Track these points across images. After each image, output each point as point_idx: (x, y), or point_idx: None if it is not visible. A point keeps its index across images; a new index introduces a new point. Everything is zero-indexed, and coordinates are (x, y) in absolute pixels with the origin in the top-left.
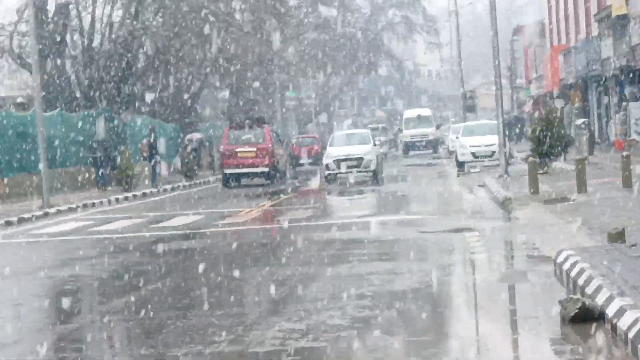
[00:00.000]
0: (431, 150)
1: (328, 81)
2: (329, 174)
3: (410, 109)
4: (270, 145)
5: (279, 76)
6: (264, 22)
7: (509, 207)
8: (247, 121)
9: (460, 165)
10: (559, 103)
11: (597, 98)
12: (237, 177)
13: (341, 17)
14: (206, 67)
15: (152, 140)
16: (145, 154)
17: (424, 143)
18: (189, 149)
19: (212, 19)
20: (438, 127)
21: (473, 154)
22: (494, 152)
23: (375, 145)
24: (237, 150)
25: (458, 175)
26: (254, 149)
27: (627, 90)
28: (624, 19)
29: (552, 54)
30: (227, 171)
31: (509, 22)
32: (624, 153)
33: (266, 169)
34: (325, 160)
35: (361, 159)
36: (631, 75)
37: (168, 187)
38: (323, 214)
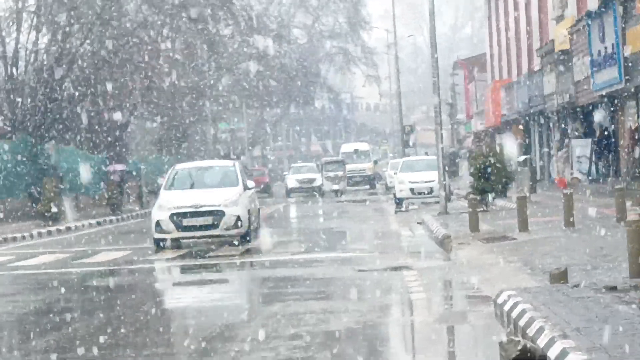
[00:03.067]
0: (368, 186)
1: (262, 113)
2: (159, 240)
3: (348, 143)
4: None
5: (211, 107)
6: (196, 51)
7: (449, 245)
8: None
9: (399, 201)
10: (499, 139)
11: (539, 134)
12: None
13: (277, 48)
14: (135, 96)
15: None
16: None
17: (360, 178)
18: (113, 180)
19: (141, 46)
20: (376, 162)
21: (412, 190)
22: (433, 189)
23: (247, 188)
24: None
25: (396, 212)
26: None
27: (570, 127)
28: (567, 54)
29: (493, 89)
30: None
31: (449, 56)
32: (566, 191)
33: None
34: (156, 214)
35: (218, 214)
36: (574, 111)
37: (94, 221)
38: (256, 250)
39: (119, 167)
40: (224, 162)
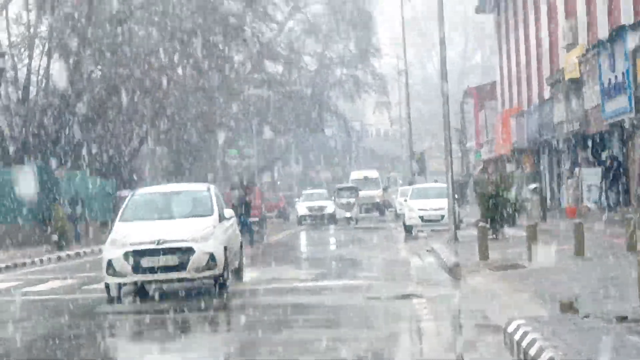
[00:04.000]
0: (377, 213)
1: (272, 140)
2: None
3: (357, 170)
4: (259, 201)
5: (221, 133)
6: (206, 77)
7: (458, 273)
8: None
9: (408, 229)
10: (510, 167)
11: (549, 163)
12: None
13: (287, 74)
14: (146, 122)
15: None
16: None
17: (370, 206)
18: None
19: (152, 72)
20: (385, 190)
21: (421, 217)
22: (443, 216)
23: (224, 218)
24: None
25: (406, 240)
26: None
27: (580, 156)
28: (577, 82)
29: (503, 117)
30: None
31: (459, 83)
32: (576, 220)
33: (256, 219)
34: (108, 252)
35: (186, 251)
36: (584, 140)
37: (97, 248)
38: (265, 277)
39: (127, 192)
40: (196, 186)
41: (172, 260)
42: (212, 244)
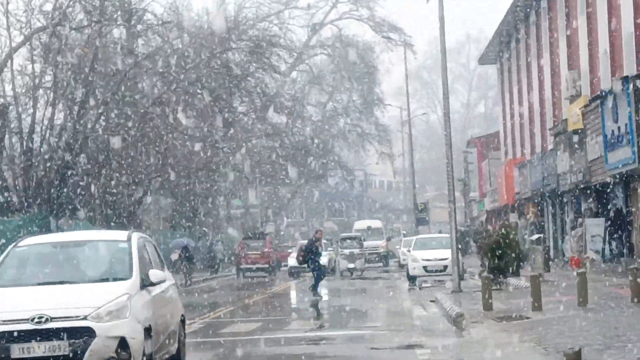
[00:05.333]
0: (381, 264)
1: (276, 190)
2: None
3: (361, 220)
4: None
5: (225, 183)
6: (211, 127)
7: (462, 324)
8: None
9: (412, 279)
10: (513, 217)
11: (552, 213)
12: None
13: (291, 125)
14: (150, 172)
15: None
16: None
17: (374, 256)
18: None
19: (156, 122)
20: (389, 240)
21: (425, 267)
22: (446, 267)
23: (150, 284)
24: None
25: (409, 290)
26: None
27: (584, 206)
28: (580, 133)
29: (506, 167)
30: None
31: (463, 133)
32: (580, 271)
33: (266, 265)
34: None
35: (80, 334)
36: (587, 191)
37: None
38: (268, 327)
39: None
40: (111, 234)
41: (59, 348)
42: (125, 324)
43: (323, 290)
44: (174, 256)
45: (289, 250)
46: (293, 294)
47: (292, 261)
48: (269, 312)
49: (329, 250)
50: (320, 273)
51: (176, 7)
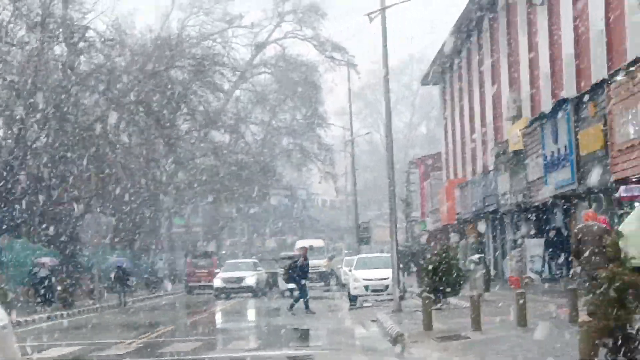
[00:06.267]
0: (322, 283)
1: (218, 209)
2: None
3: (303, 239)
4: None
5: (166, 202)
6: (153, 145)
7: (402, 343)
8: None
9: (353, 298)
10: (454, 238)
11: (492, 233)
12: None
13: (234, 143)
14: (90, 190)
15: None
16: None
17: (315, 275)
18: (39, 275)
19: (98, 140)
20: (331, 259)
21: (366, 287)
22: (387, 286)
23: None
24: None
25: (350, 309)
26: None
27: (523, 227)
28: (520, 154)
29: (448, 187)
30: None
31: (405, 153)
32: (519, 291)
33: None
34: None
35: None
36: (527, 211)
37: (44, 315)
38: (209, 346)
39: (46, 259)
40: None
41: None
42: None
43: (252, 312)
44: (113, 275)
45: (217, 271)
46: (234, 313)
47: (217, 282)
48: (210, 331)
49: (258, 270)
50: (304, 292)
51: (119, 24)
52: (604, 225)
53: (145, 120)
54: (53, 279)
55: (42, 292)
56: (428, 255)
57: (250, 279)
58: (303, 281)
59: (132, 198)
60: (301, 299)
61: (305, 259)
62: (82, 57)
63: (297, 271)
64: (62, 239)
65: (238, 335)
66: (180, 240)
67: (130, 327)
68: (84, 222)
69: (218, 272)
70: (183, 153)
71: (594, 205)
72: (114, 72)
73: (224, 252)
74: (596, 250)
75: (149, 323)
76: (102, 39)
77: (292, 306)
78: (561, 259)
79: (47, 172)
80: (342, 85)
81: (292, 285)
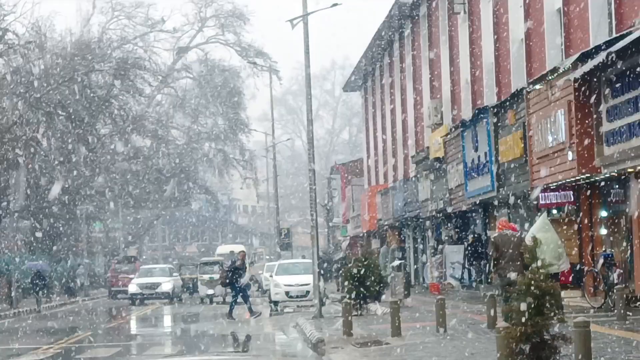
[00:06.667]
0: None
1: (138, 213)
2: None
3: (224, 244)
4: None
5: (85, 206)
6: (72, 149)
7: (322, 349)
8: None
9: (274, 304)
10: (375, 243)
11: (413, 240)
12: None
13: (154, 148)
14: (7, 194)
15: None
16: None
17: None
18: None
19: (17, 143)
20: (251, 264)
21: (287, 293)
22: (308, 292)
23: None
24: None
25: (271, 315)
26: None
27: (444, 233)
28: (441, 161)
29: (369, 194)
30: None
31: (327, 160)
32: (439, 296)
33: None
34: None
35: None
36: (448, 218)
37: None
38: (127, 351)
39: None
40: None
41: None
42: None
43: (171, 318)
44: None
45: (130, 277)
46: (153, 318)
47: (132, 288)
48: (129, 337)
49: (174, 276)
50: (245, 294)
51: (39, 27)
52: (519, 233)
53: (64, 124)
54: None
55: None
56: (348, 262)
57: (166, 285)
58: (240, 284)
59: (51, 202)
60: (241, 302)
61: (243, 262)
62: (0, 60)
63: (235, 274)
64: None
65: (156, 340)
66: (100, 245)
67: (48, 333)
68: (1, 226)
69: (132, 277)
70: (103, 157)
71: (508, 213)
72: (33, 75)
73: (144, 257)
74: (514, 257)
75: (68, 328)
76: (22, 42)
77: (230, 312)
78: (480, 266)
79: None
80: (264, 91)
81: (211, 291)
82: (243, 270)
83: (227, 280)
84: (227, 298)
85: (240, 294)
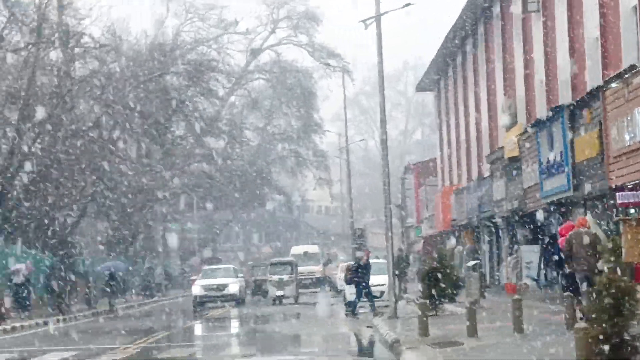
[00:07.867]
0: (318, 289)
1: (213, 214)
2: None
3: (298, 245)
4: None
5: (162, 208)
6: (148, 151)
7: (398, 350)
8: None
9: (349, 304)
10: (450, 244)
11: (488, 240)
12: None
13: (229, 149)
14: (85, 196)
15: None
16: None
17: (310, 281)
18: (14, 281)
19: (93, 146)
20: (326, 265)
21: None
22: (383, 292)
23: None
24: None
25: (346, 315)
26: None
27: (519, 233)
28: (516, 161)
29: (443, 194)
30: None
31: (401, 160)
32: (515, 297)
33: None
34: None
35: None
36: (523, 218)
37: (40, 320)
38: (205, 353)
39: (20, 266)
40: None
41: None
42: None
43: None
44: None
45: (193, 278)
46: (235, 318)
47: (196, 290)
48: (207, 337)
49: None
50: (368, 292)
51: (114, 30)
52: (593, 231)
53: (140, 126)
54: (30, 286)
55: (17, 299)
56: (424, 263)
57: (233, 286)
58: (364, 282)
59: (127, 204)
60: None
61: (368, 260)
62: (77, 63)
63: (360, 273)
64: (57, 244)
65: (233, 341)
66: (175, 246)
67: (126, 332)
68: (80, 228)
69: (195, 279)
70: (178, 159)
71: (584, 212)
72: (109, 78)
73: (220, 258)
74: (588, 254)
75: (146, 328)
76: (98, 44)
77: (354, 309)
78: (556, 266)
79: (41, 178)
80: (337, 92)
81: (280, 292)
82: (368, 269)
83: (353, 279)
84: (301, 298)
85: (364, 290)
